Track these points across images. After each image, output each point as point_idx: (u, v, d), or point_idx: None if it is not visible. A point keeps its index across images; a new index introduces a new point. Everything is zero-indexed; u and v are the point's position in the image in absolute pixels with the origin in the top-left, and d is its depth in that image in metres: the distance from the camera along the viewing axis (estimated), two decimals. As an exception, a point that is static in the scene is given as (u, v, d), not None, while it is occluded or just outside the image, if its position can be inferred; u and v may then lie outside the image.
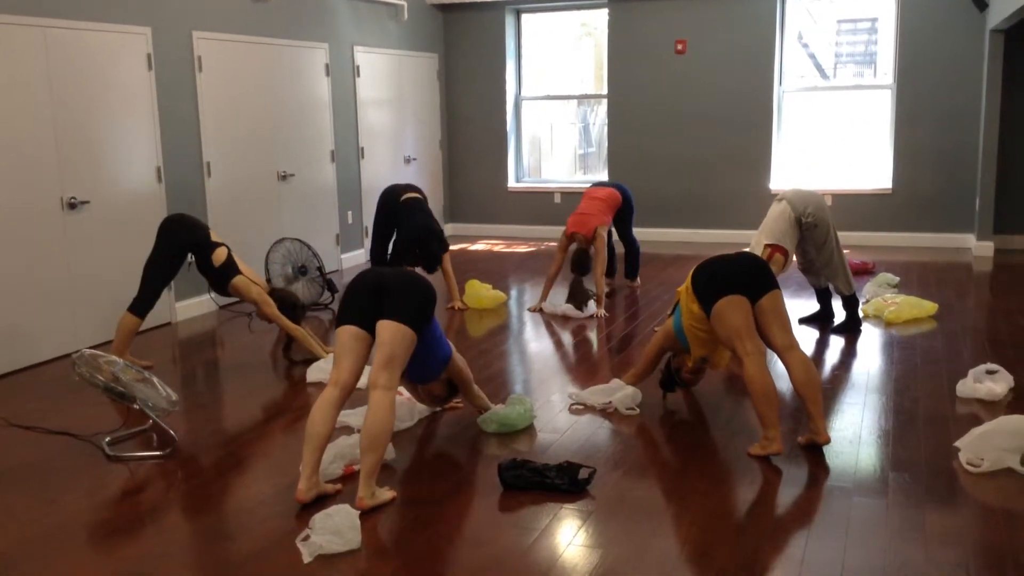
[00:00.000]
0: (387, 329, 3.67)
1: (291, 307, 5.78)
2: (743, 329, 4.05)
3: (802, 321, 6.43)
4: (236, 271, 5.66)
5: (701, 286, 4.21)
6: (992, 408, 4.59)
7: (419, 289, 3.83)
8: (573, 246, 7.11)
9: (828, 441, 4.09)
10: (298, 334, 5.64)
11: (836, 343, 5.98)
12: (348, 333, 3.73)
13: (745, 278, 4.13)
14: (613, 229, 7.63)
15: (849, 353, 5.76)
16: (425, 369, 4.14)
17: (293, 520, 3.50)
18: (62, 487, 3.92)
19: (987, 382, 4.77)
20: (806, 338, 6.06)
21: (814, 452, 4.09)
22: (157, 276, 5.64)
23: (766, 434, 4.02)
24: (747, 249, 5.83)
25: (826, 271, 6.14)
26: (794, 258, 6.05)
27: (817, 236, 5.98)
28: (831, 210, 6.17)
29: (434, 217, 7.44)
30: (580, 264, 6.92)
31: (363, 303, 3.75)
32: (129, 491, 3.90)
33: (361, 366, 3.78)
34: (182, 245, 5.67)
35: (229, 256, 5.68)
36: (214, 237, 5.71)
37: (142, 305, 5.59)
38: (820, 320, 6.42)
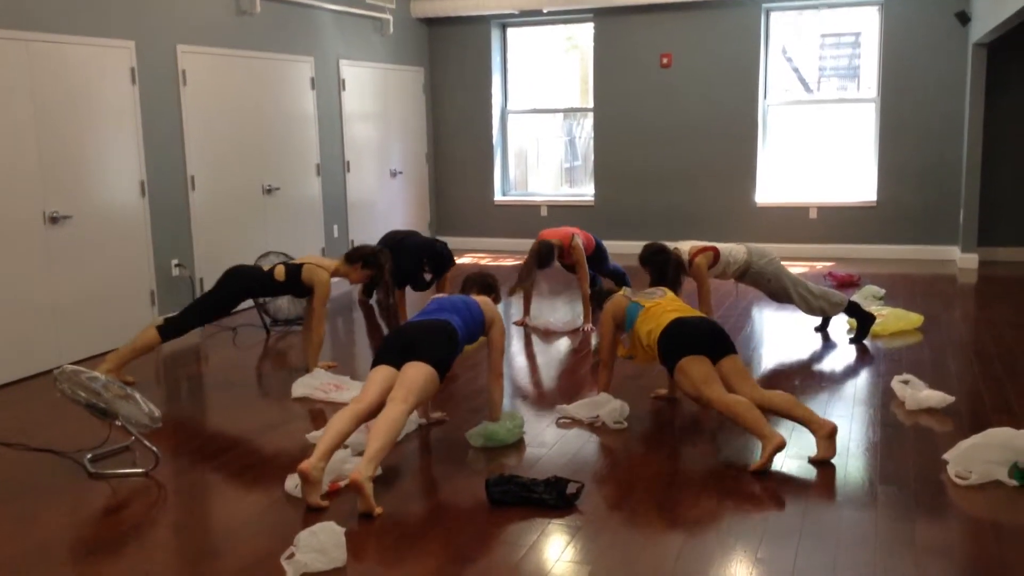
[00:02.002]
0: (412, 367, 4.00)
1: (375, 264, 5.77)
2: (708, 377, 4.26)
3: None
4: (299, 268, 5.68)
5: (666, 348, 4.44)
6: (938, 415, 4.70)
7: (442, 337, 4.15)
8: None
9: (835, 427, 4.11)
10: (316, 337, 5.66)
11: (821, 356, 5.98)
12: (379, 371, 4.05)
13: (707, 342, 4.38)
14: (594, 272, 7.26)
15: (836, 366, 5.76)
16: (470, 334, 4.38)
17: (278, 538, 3.45)
18: (43, 504, 3.87)
19: (924, 390, 4.87)
20: (805, 348, 6.06)
21: (801, 465, 4.08)
22: (201, 311, 5.64)
23: (762, 434, 4.02)
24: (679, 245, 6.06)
25: (811, 311, 6.22)
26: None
27: (774, 289, 6.14)
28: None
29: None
30: (544, 257, 6.61)
31: (394, 352, 4.09)
32: (111, 508, 3.85)
33: (386, 395, 3.96)
34: (243, 290, 5.70)
35: (287, 265, 5.72)
36: (267, 267, 5.75)
37: (172, 330, 5.56)
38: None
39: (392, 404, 3.86)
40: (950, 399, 4.79)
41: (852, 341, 6.22)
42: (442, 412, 4.84)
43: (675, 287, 5.73)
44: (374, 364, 4.12)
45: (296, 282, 5.67)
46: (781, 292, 6.15)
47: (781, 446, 3.98)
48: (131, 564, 3.34)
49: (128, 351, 5.50)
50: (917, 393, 4.83)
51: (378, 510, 3.64)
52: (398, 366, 4.02)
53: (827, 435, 4.09)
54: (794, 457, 4.15)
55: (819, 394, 5.14)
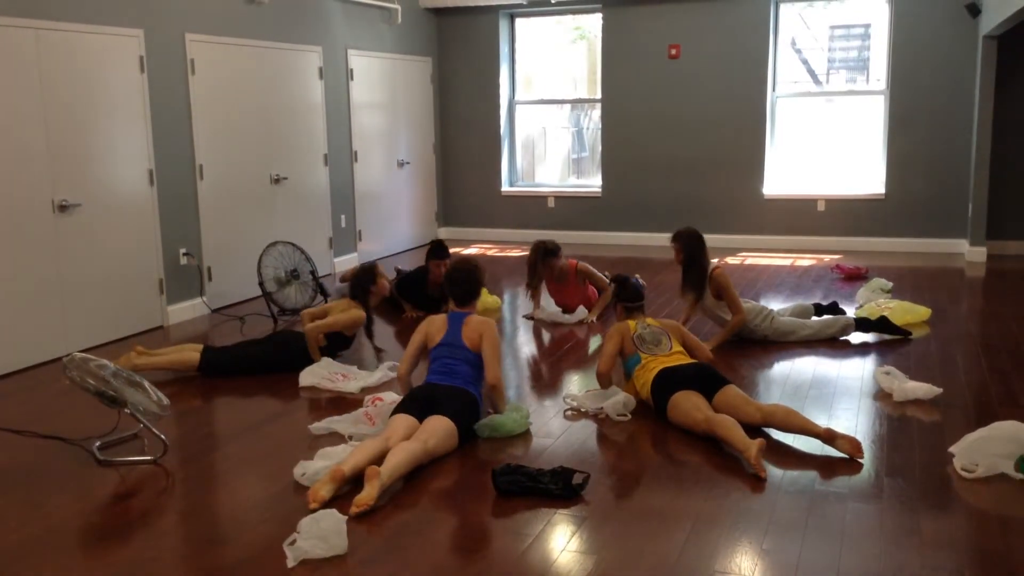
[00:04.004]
0: (434, 419, 4.18)
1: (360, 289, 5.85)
2: (698, 404, 4.39)
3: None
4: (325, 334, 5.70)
5: (657, 396, 4.59)
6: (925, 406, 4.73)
7: (463, 400, 4.34)
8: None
9: (828, 430, 4.13)
10: (314, 333, 5.65)
11: (829, 349, 5.96)
12: (402, 418, 4.22)
13: (694, 378, 4.55)
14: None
15: (843, 358, 5.75)
16: (479, 375, 4.56)
17: (285, 526, 3.46)
18: (52, 491, 3.89)
19: (908, 381, 4.88)
20: (813, 342, 6.04)
21: (810, 457, 4.08)
22: (243, 361, 5.60)
23: (742, 446, 3.99)
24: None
25: (825, 338, 6.08)
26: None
27: (782, 343, 5.99)
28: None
29: None
30: (548, 251, 6.72)
31: (418, 404, 4.28)
32: (119, 496, 3.87)
33: (406, 438, 4.07)
34: (289, 359, 5.62)
35: (319, 340, 5.68)
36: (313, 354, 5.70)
37: (212, 368, 5.54)
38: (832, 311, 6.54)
39: (414, 440, 3.99)
40: (937, 391, 4.80)
41: (898, 333, 6.09)
42: None
43: (700, 286, 5.80)
44: (395, 412, 4.28)
45: (336, 335, 5.72)
46: (790, 342, 6.02)
47: (761, 447, 3.97)
48: (139, 550, 3.36)
49: (164, 361, 5.49)
50: (903, 384, 4.86)
51: (370, 503, 3.58)
52: (419, 418, 4.20)
53: (831, 439, 4.10)
54: (804, 448, 4.15)
55: (826, 387, 5.14)
